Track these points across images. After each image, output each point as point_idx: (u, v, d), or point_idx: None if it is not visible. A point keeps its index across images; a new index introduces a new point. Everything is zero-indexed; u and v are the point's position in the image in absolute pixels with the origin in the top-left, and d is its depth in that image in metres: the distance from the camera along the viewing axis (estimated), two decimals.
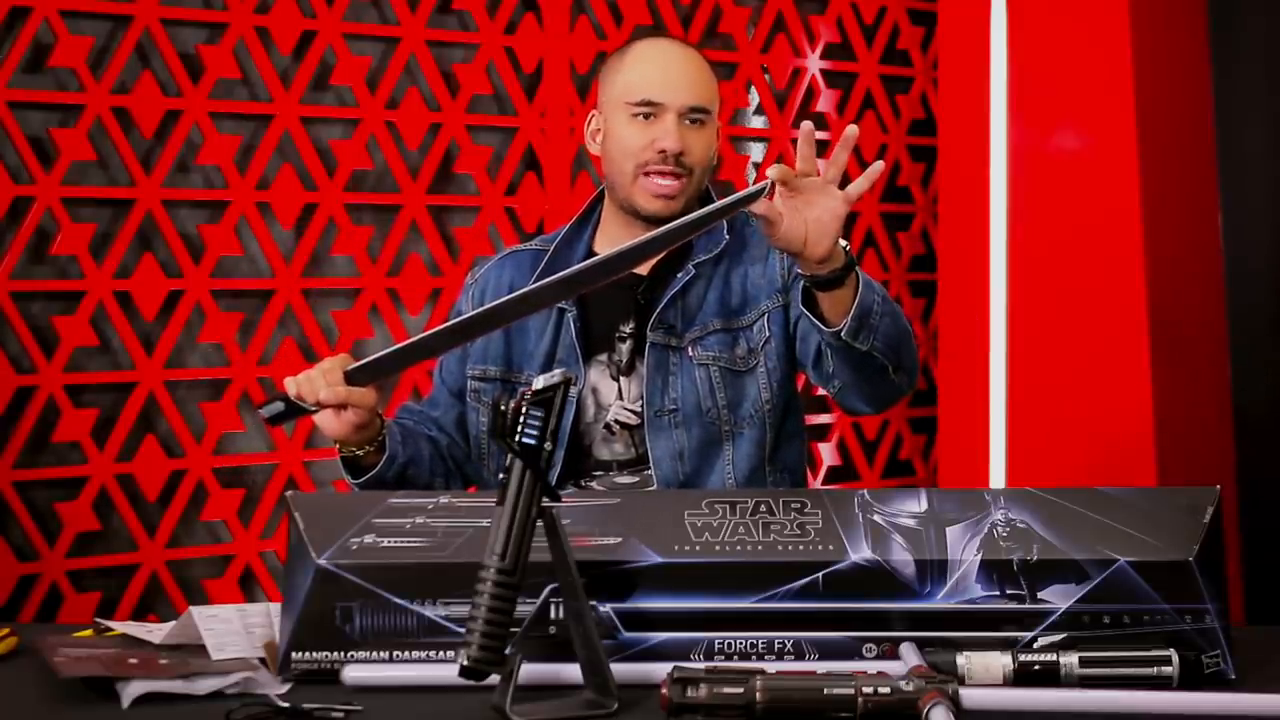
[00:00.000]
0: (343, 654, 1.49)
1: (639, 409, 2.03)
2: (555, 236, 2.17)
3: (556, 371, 1.46)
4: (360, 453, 1.93)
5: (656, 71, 2.03)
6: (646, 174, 2.01)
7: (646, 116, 2.01)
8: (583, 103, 3.36)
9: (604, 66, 2.12)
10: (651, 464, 2.02)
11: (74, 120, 2.86)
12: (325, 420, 1.85)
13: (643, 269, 2.05)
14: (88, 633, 1.63)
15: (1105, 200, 3.30)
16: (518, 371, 2.08)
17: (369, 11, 3.19)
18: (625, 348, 2.05)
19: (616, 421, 2.04)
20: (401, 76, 3.18)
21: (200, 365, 3.02)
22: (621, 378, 2.05)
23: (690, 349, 2.04)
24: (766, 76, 3.66)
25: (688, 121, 2.02)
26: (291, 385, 1.82)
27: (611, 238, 2.09)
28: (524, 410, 1.42)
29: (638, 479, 2.04)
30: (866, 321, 1.80)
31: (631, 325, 2.05)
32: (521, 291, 1.80)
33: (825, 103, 3.72)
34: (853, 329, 1.79)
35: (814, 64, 3.70)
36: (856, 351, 1.82)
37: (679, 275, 2.05)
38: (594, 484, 2.04)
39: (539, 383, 1.44)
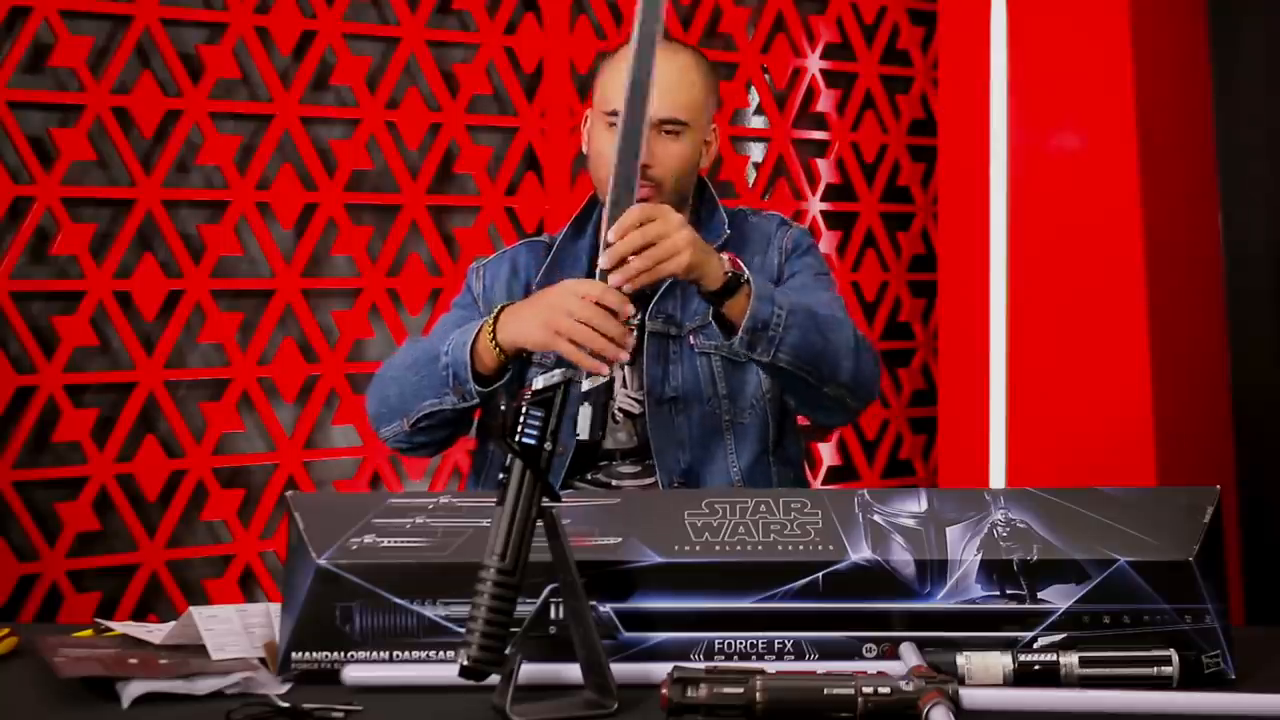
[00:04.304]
0: (343, 654, 1.49)
1: (641, 397, 2.04)
2: (557, 239, 2.16)
3: (556, 371, 1.46)
4: (505, 357, 1.87)
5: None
6: None
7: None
8: (583, 103, 3.36)
9: (598, 66, 2.11)
10: (653, 453, 2.02)
11: (74, 120, 2.86)
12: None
13: None
14: (88, 633, 1.63)
15: (1105, 200, 3.30)
16: (530, 353, 2.06)
17: (369, 11, 3.19)
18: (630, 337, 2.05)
19: (620, 409, 2.05)
20: (401, 76, 3.18)
21: (200, 365, 3.02)
22: (626, 367, 2.05)
23: (691, 337, 2.05)
24: (766, 76, 3.66)
25: (662, 132, 2.00)
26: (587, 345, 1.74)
27: None
28: (524, 410, 1.42)
29: (640, 468, 2.04)
30: (762, 335, 1.84)
31: (636, 315, 2.04)
32: None
33: (825, 103, 3.72)
34: (746, 341, 1.85)
35: (814, 64, 3.70)
36: (764, 363, 1.88)
37: None
38: (599, 474, 2.04)
39: (539, 383, 1.44)
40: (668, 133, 2.00)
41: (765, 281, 1.90)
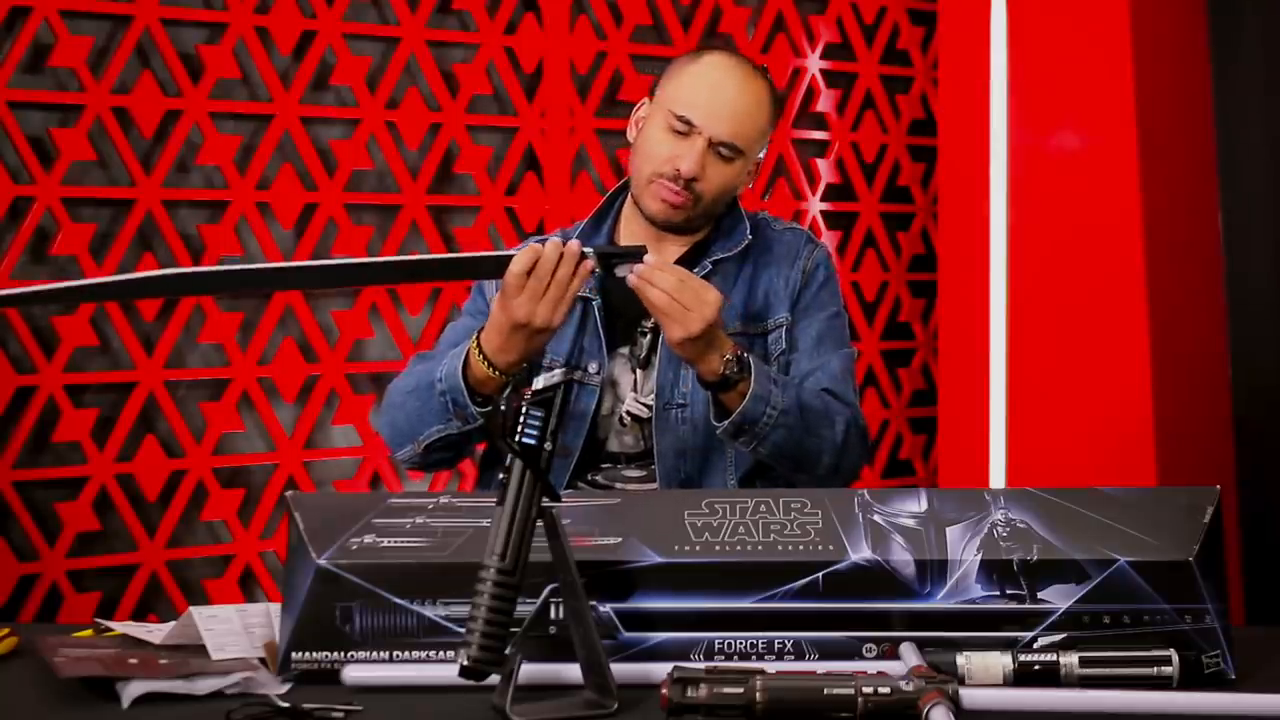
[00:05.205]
0: (343, 654, 1.49)
1: (650, 402, 2.03)
2: (574, 232, 2.14)
3: (557, 371, 1.47)
4: (500, 374, 1.88)
5: (706, 93, 2.01)
6: (659, 182, 2.01)
7: (680, 133, 2.00)
8: (583, 103, 3.37)
9: (673, 62, 2.10)
10: (656, 458, 2.02)
11: (74, 120, 2.86)
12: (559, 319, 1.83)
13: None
14: (88, 633, 1.63)
15: (1105, 200, 3.30)
16: (543, 353, 2.04)
17: (369, 11, 3.19)
18: (646, 341, 2.05)
19: (628, 413, 2.04)
20: (401, 76, 3.18)
21: (200, 365, 3.03)
22: (639, 370, 2.05)
23: None
24: (766, 77, 3.65)
25: (718, 151, 2.00)
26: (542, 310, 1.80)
27: (633, 232, 2.09)
28: (524, 410, 1.42)
29: (644, 473, 2.03)
30: (750, 430, 1.91)
31: (652, 320, 2.03)
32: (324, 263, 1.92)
33: (825, 103, 3.72)
34: (730, 431, 1.91)
35: (814, 64, 3.70)
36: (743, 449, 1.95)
37: (694, 270, 2.02)
38: (600, 477, 2.04)
39: (539, 382, 1.44)
40: (722, 155, 2.00)
41: (766, 377, 1.91)
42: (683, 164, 1.98)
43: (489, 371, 1.88)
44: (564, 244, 1.81)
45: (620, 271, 1.84)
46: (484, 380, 1.89)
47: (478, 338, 1.89)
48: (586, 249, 1.82)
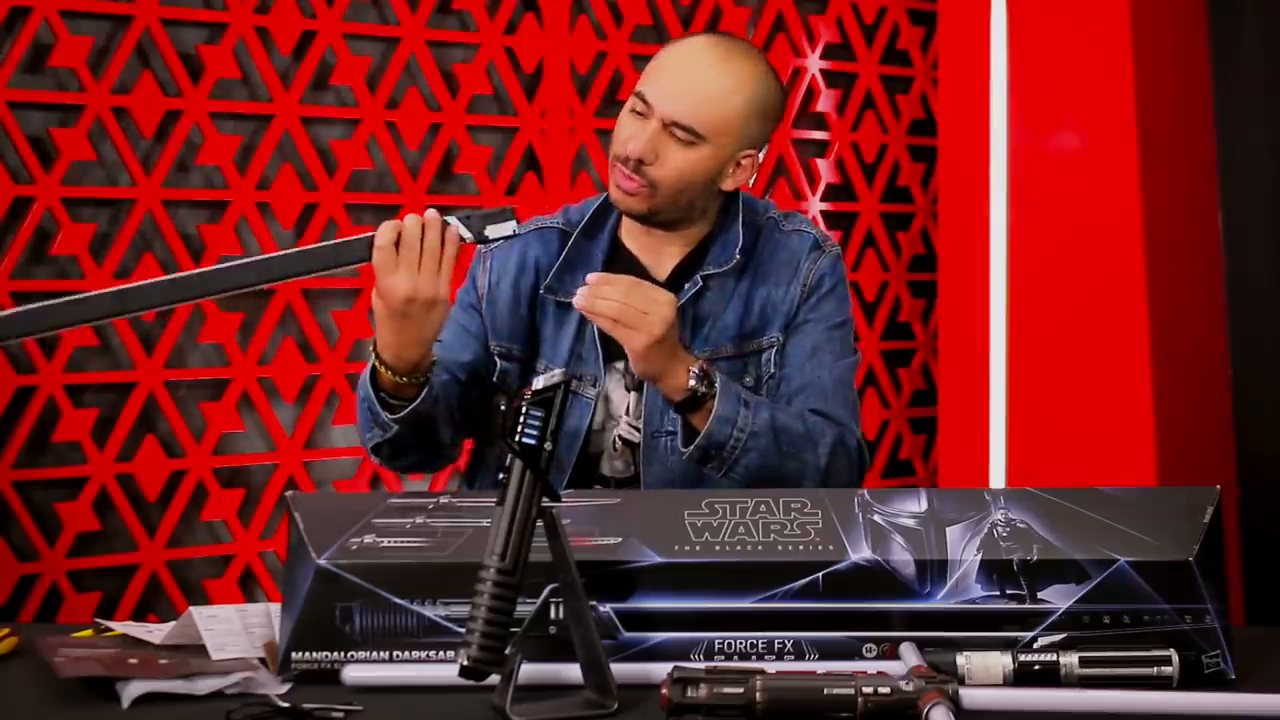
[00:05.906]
0: (343, 654, 1.49)
1: (641, 426, 1.96)
2: (581, 215, 2.04)
3: (557, 371, 1.46)
4: (406, 379, 1.78)
5: (668, 72, 1.91)
6: (615, 165, 1.92)
7: (639, 113, 1.90)
8: (583, 103, 3.36)
9: None
10: (642, 485, 1.95)
11: (74, 120, 2.86)
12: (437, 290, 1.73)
13: (659, 277, 1.97)
14: (88, 633, 1.62)
15: (1105, 200, 3.30)
16: (537, 357, 1.99)
17: (369, 11, 3.19)
18: None
19: (620, 437, 1.97)
20: (401, 76, 3.18)
21: (200, 365, 3.03)
22: (632, 392, 1.97)
23: None
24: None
25: (673, 133, 1.87)
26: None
27: (631, 230, 2.01)
28: (524, 410, 1.42)
29: None
30: (715, 455, 1.84)
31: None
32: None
33: (825, 103, 3.72)
34: (697, 456, 1.84)
35: (814, 64, 3.70)
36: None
37: (686, 286, 1.95)
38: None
39: (539, 383, 1.44)
40: (678, 138, 1.87)
41: (734, 397, 1.83)
42: (628, 145, 1.88)
43: (395, 378, 1.79)
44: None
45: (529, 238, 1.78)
46: (396, 387, 1.80)
47: (375, 348, 1.80)
48: (449, 218, 1.76)
